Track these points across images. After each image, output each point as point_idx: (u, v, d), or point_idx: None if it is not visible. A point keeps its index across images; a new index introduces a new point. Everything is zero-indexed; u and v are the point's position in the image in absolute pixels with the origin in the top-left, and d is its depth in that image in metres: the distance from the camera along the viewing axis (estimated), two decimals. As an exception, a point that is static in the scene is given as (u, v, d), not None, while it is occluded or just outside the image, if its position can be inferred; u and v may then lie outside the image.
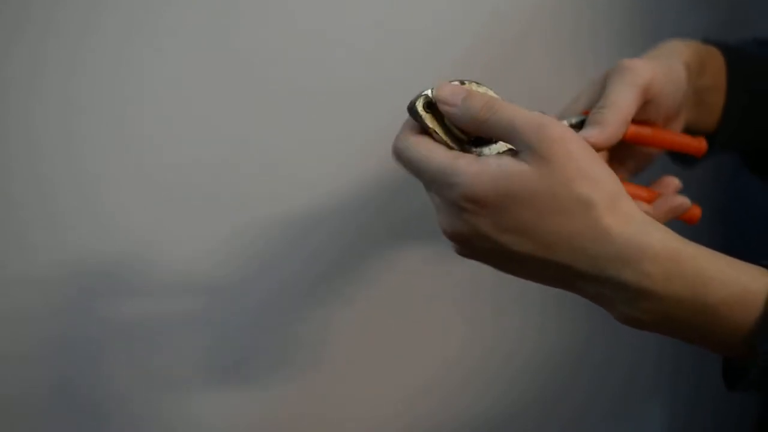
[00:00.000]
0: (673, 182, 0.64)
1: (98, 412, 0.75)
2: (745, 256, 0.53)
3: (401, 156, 0.54)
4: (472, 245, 0.53)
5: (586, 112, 0.62)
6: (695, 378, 0.99)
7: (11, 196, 0.68)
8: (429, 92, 0.54)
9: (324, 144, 0.77)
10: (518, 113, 0.50)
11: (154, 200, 0.72)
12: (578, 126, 0.61)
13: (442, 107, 0.53)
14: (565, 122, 0.61)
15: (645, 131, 0.63)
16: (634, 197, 0.59)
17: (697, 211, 0.64)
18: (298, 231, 0.78)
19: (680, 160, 0.72)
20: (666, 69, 0.63)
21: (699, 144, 0.66)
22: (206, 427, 0.79)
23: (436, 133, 0.53)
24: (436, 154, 0.52)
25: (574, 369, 0.94)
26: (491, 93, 0.55)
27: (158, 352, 0.76)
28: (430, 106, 0.53)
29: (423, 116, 0.53)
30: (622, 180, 0.61)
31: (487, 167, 0.50)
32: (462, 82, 0.54)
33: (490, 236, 0.51)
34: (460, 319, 0.88)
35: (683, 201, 0.62)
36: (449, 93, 0.53)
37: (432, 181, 0.52)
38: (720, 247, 0.53)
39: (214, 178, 0.74)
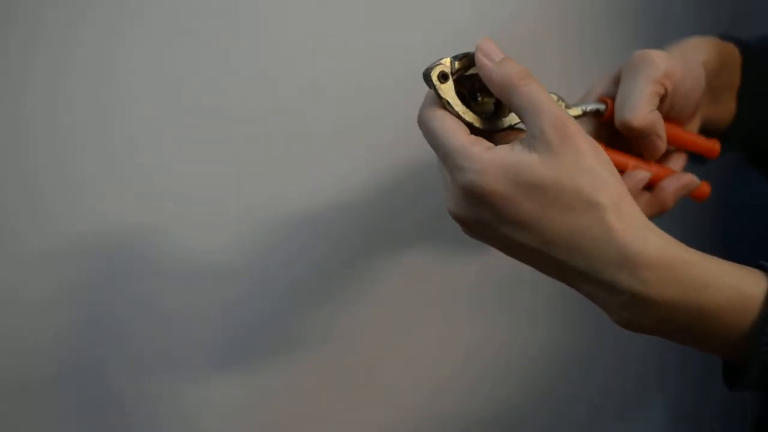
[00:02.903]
0: (681, 157, 0.65)
1: (108, 396, 0.75)
2: (742, 254, 0.53)
3: (423, 125, 0.54)
4: (474, 229, 0.53)
5: (603, 99, 0.62)
6: (697, 378, 0.99)
7: (31, 180, 0.68)
8: (446, 62, 0.54)
9: (335, 141, 0.77)
10: (547, 97, 0.50)
11: (166, 194, 0.73)
12: (593, 113, 0.62)
13: (479, 59, 0.53)
14: (580, 109, 0.61)
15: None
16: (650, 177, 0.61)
17: (706, 188, 0.65)
18: (306, 229, 0.78)
19: (691, 156, 0.71)
20: (684, 66, 0.62)
21: (712, 146, 0.66)
22: (215, 410, 0.79)
23: (449, 104, 0.53)
24: (455, 134, 0.52)
25: (577, 370, 0.94)
26: None
27: (170, 337, 0.76)
28: (445, 76, 0.53)
29: (437, 86, 0.53)
30: (632, 157, 0.62)
31: (498, 156, 0.50)
32: None
33: (491, 225, 0.51)
34: (467, 320, 0.88)
35: (692, 179, 0.62)
36: (491, 48, 0.52)
37: (445, 158, 0.52)
38: (717, 245, 0.53)
39: (222, 176, 0.74)
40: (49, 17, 0.65)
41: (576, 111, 0.61)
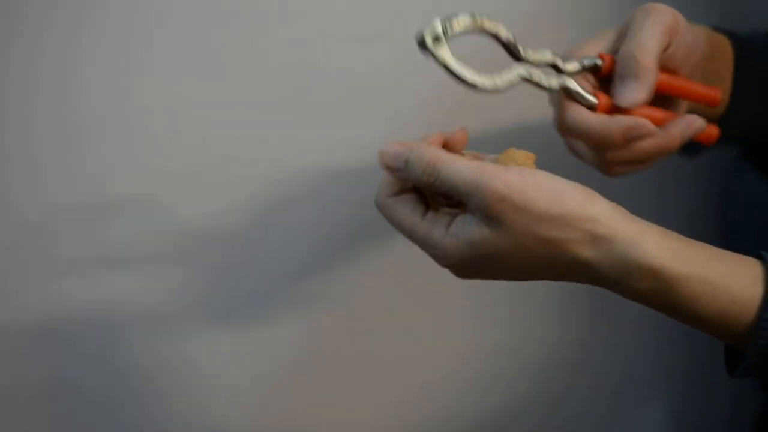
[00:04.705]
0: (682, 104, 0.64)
1: (102, 358, 0.76)
2: (743, 252, 0.53)
3: (382, 212, 0.55)
4: (469, 278, 0.55)
5: (602, 56, 0.61)
6: (697, 376, 0.99)
7: (9, 183, 0.70)
8: (438, 23, 0.53)
9: (335, 132, 0.78)
10: (458, 175, 0.50)
11: (165, 172, 0.74)
12: (590, 68, 0.61)
13: (392, 175, 0.53)
14: (578, 64, 0.60)
15: (662, 77, 0.62)
16: (650, 118, 0.60)
17: (713, 131, 0.64)
18: (309, 217, 0.79)
19: (685, 151, 0.72)
20: (685, 20, 0.62)
21: (714, 94, 0.65)
22: (206, 369, 0.80)
23: (447, 67, 0.53)
24: (412, 223, 0.53)
25: (575, 367, 0.95)
26: (502, 29, 0.55)
27: (168, 299, 0.77)
28: (439, 39, 0.53)
29: (434, 53, 0.53)
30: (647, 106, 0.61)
31: (456, 240, 0.51)
32: (474, 17, 0.54)
33: (480, 276, 0.54)
34: (464, 319, 0.88)
35: (695, 119, 0.62)
36: (392, 158, 0.52)
37: (415, 243, 0.54)
38: (719, 243, 0.53)
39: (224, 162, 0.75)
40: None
41: (574, 65, 0.60)
